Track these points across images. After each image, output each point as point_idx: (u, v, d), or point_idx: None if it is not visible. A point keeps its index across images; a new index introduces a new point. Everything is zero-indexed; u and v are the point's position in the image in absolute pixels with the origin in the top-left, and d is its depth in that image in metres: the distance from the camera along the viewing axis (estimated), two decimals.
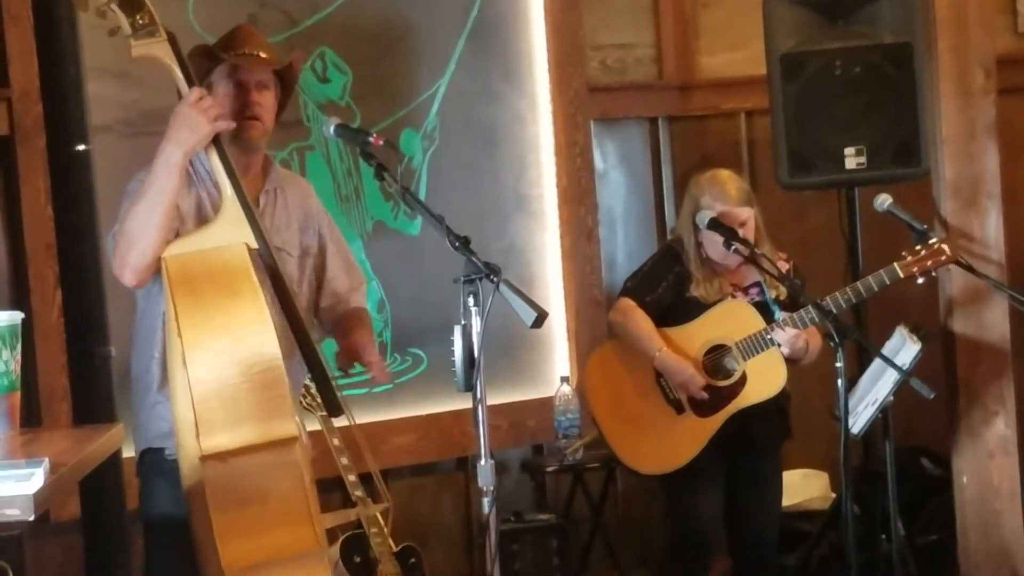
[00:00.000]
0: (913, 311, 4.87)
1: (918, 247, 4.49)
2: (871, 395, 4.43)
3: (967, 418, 4.89)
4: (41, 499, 2.48)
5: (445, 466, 5.31)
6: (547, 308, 3.30)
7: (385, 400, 5.10)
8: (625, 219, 5.73)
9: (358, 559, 4.51)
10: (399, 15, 5.20)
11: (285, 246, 3.57)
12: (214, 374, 3.16)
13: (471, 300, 3.21)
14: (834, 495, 5.28)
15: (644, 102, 5.74)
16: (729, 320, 4.54)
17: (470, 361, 3.21)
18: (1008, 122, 5.15)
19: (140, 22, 3.30)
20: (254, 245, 3.32)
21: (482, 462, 3.25)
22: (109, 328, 4.17)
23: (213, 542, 3.12)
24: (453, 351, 3.22)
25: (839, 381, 3.98)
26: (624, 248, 5.70)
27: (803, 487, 5.39)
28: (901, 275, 4.47)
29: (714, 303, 4.57)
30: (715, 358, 4.54)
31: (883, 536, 4.73)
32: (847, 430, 4.09)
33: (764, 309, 4.56)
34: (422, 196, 5.14)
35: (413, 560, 4.61)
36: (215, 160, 3.35)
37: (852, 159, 4.83)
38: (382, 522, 4.52)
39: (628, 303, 4.60)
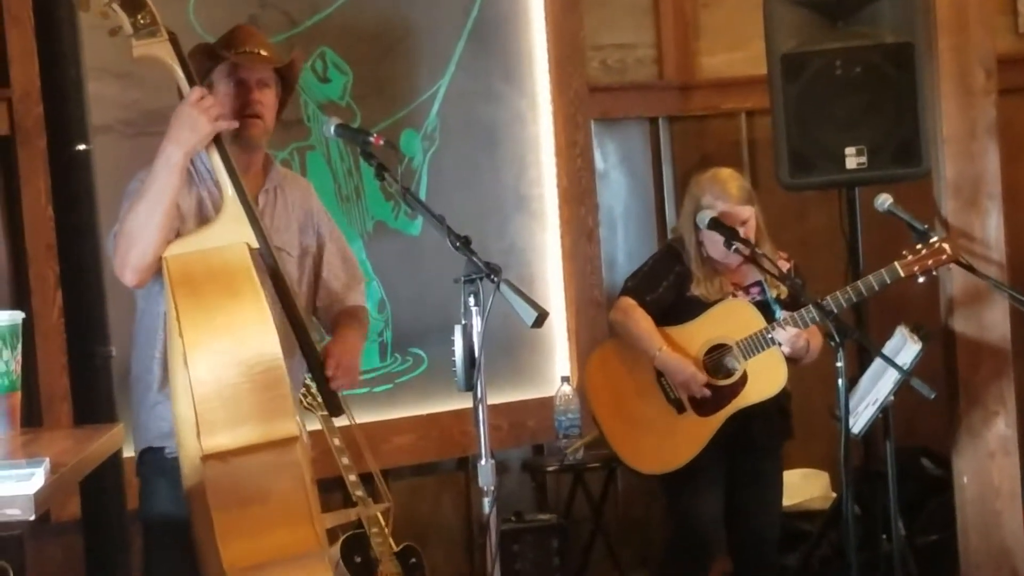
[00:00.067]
0: (914, 311, 4.87)
1: (919, 246, 4.49)
2: (872, 395, 4.43)
3: (967, 418, 4.89)
4: (42, 499, 2.48)
5: (446, 466, 5.31)
6: (547, 308, 3.30)
7: (386, 400, 5.10)
8: (625, 219, 5.74)
9: (359, 559, 4.52)
10: (399, 15, 5.20)
11: (285, 246, 3.56)
12: (215, 374, 3.16)
13: (472, 300, 3.21)
14: (834, 495, 5.28)
15: (644, 102, 5.75)
16: (730, 319, 4.54)
17: (471, 361, 3.21)
18: (1009, 122, 5.15)
19: (141, 22, 3.30)
20: (255, 245, 3.32)
21: (483, 462, 3.24)
22: (110, 328, 4.18)
23: (214, 542, 3.12)
24: (454, 351, 3.22)
25: (840, 381, 3.98)
26: (624, 248, 5.70)
27: (803, 487, 5.39)
28: (902, 274, 4.47)
29: (715, 302, 4.57)
30: (716, 357, 4.54)
31: (884, 536, 4.72)
32: (847, 430, 4.09)
33: (765, 308, 4.56)
34: (422, 196, 5.14)
35: (414, 560, 4.62)
36: (216, 159, 3.35)
37: (853, 159, 4.82)
38: (383, 522, 4.53)
39: (628, 302, 4.59)
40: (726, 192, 4.53)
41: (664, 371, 4.56)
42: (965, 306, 4.85)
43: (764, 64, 4.90)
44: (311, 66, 4.98)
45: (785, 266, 4.60)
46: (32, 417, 4.22)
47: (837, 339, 3.98)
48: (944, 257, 4.49)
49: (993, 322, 4.85)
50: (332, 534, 4.43)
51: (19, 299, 4.42)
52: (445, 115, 5.29)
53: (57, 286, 4.37)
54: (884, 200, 4.70)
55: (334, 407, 3.54)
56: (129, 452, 3.59)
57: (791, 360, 4.50)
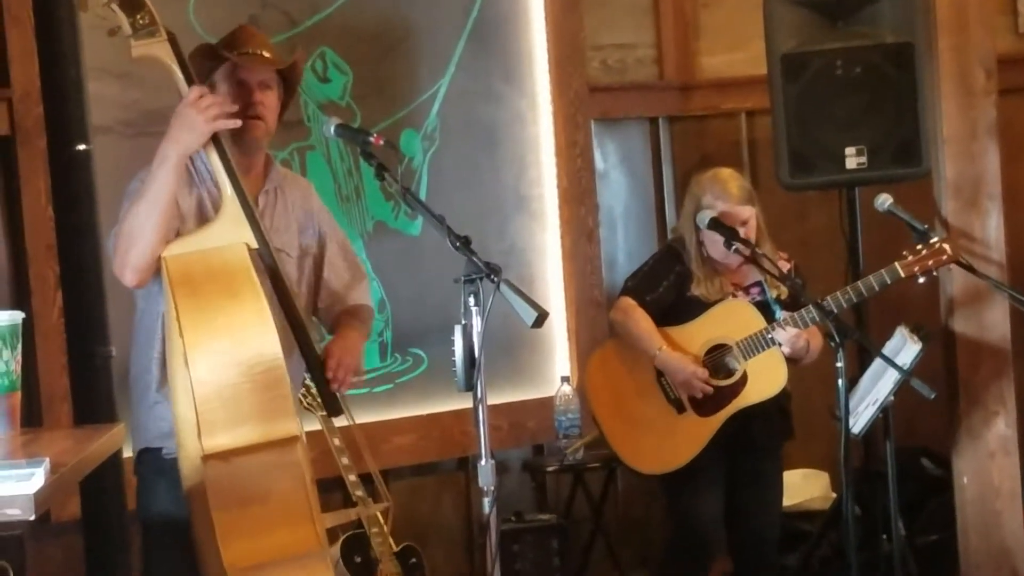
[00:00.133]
0: (914, 311, 4.87)
1: (919, 246, 4.49)
2: (872, 395, 4.43)
3: (967, 418, 4.89)
4: (42, 499, 2.48)
5: (446, 466, 5.31)
6: (547, 308, 3.30)
7: (386, 400, 5.10)
8: (625, 219, 5.74)
9: (359, 559, 4.52)
10: (399, 15, 5.20)
11: (284, 247, 3.56)
12: (216, 374, 3.16)
13: (472, 300, 3.21)
14: (834, 495, 5.28)
15: (645, 102, 5.75)
16: (730, 319, 4.54)
17: (471, 361, 3.21)
18: (1009, 122, 5.15)
19: (140, 22, 3.30)
20: (254, 245, 3.32)
21: (483, 462, 3.25)
22: (110, 328, 4.17)
23: (214, 542, 3.12)
24: (454, 351, 3.22)
25: (840, 381, 3.98)
26: (624, 248, 5.70)
27: (803, 487, 5.39)
28: (902, 274, 4.46)
29: (715, 302, 4.56)
30: (716, 357, 4.54)
31: (884, 536, 4.72)
32: (848, 430, 4.09)
33: (765, 309, 4.56)
34: (422, 196, 5.14)
35: (414, 560, 4.62)
36: (215, 159, 3.35)
37: (853, 159, 4.82)
38: (382, 522, 4.53)
39: (629, 302, 4.59)
40: (726, 192, 4.53)
41: (664, 371, 4.56)
42: (965, 306, 4.85)
43: (764, 64, 4.90)
44: (311, 66, 4.98)
45: (785, 266, 4.60)
46: (32, 417, 4.22)
47: (837, 339, 3.98)
48: (944, 258, 4.49)
49: (993, 322, 4.85)
50: (332, 534, 4.43)
51: (19, 299, 4.42)
52: (445, 115, 5.29)
53: (57, 286, 4.37)
54: (884, 200, 4.70)
55: (333, 407, 3.54)
56: (129, 452, 3.59)
57: (791, 360, 4.50)
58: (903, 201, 4.72)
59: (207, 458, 3.15)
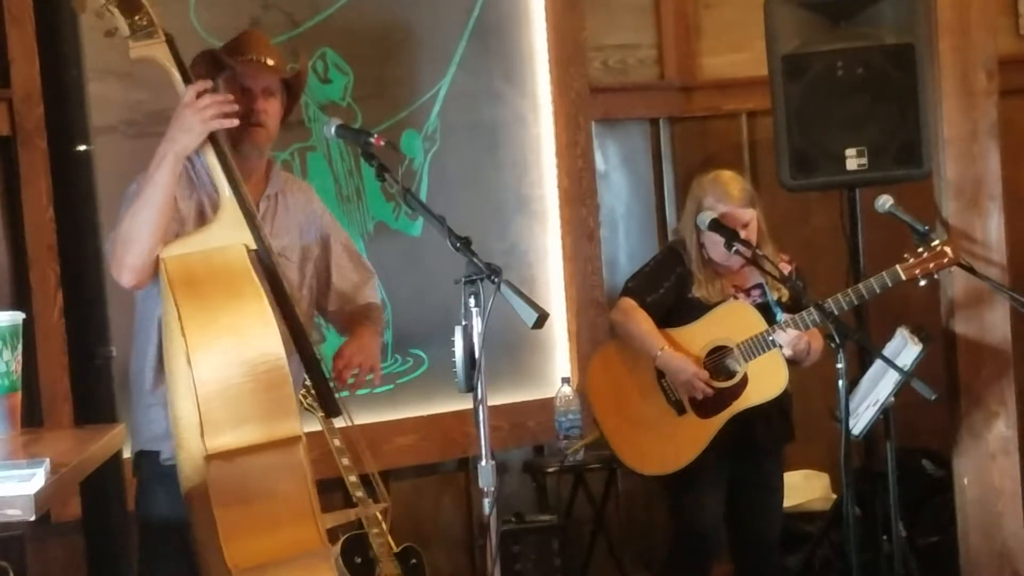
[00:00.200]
0: (914, 312, 4.87)
1: (920, 249, 4.49)
2: (872, 396, 4.43)
3: (968, 419, 4.89)
4: (42, 499, 2.48)
5: (446, 467, 5.31)
6: (548, 309, 3.30)
7: (386, 401, 5.10)
8: (626, 220, 5.73)
9: (359, 559, 4.52)
10: (400, 16, 5.20)
11: (285, 251, 3.56)
12: (219, 374, 3.16)
13: (472, 301, 3.21)
14: (835, 496, 5.27)
15: (646, 103, 5.74)
16: (731, 321, 4.54)
17: (471, 362, 3.21)
18: (1010, 123, 5.15)
19: (139, 23, 3.30)
20: (253, 246, 3.32)
21: (483, 463, 3.25)
22: (110, 329, 4.18)
23: (217, 543, 3.12)
24: (454, 352, 3.22)
25: (840, 382, 3.98)
26: (625, 249, 5.70)
27: (804, 488, 5.39)
28: (903, 277, 4.47)
29: (716, 304, 4.57)
30: (717, 359, 4.54)
31: (884, 537, 4.72)
32: (848, 431, 4.09)
33: (766, 311, 4.56)
34: (423, 197, 5.14)
35: (414, 561, 4.62)
36: (212, 159, 3.34)
37: (854, 160, 4.82)
38: (381, 521, 4.53)
39: (629, 303, 4.59)
40: (728, 194, 4.53)
41: (665, 372, 4.56)
42: (966, 308, 4.85)
43: (765, 65, 4.90)
44: (312, 66, 4.97)
45: (787, 268, 4.61)
46: (33, 417, 4.22)
47: (838, 340, 3.98)
48: (945, 260, 4.49)
49: (994, 323, 4.85)
50: (332, 534, 4.42)
51: (20, 300, 4.42)
52: (446, 116, 5.29)
53: (58, 287, 4.37)
54: (885, 201, 4.70)
55: (331, 408, 3.54)
56: (129, 453, 3.60)
57: (792, 362, 4.50)
58: (904, 202, 4.72)
59: (210, 458, 3.14)
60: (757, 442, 4.60)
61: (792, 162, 4.86)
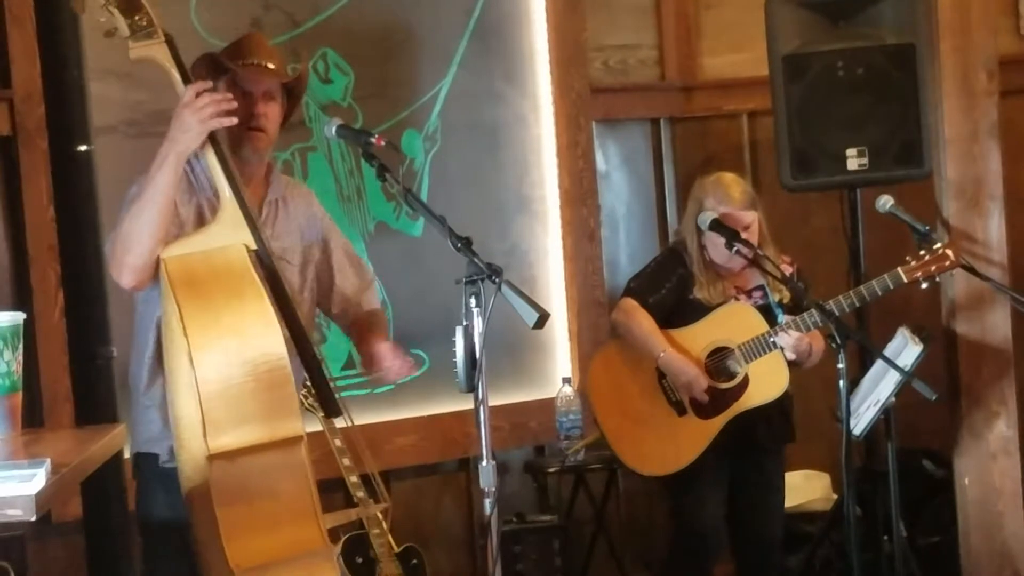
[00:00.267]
0: (915, 312, 4.87)
1: (922, 252, 4.49)
2: (873, 396, 4.43)
3: (969, 419, 4.89)
4: (43, 499, 2.48)
5: (447, 467, 5.31)
6: (549, 309, 3.30)
7: (387, 401, 5.10)
8: (627, 220, 5.74)
9: (360, 559, 4.52)
10: (401, 16, 5.20)
11: (285, 255, 3.56)
12: (222, 374, 3.16)
13: (473, 301, 3.21)
14: (836, 496, 5.27)
15: (646, 103, 5.74)
16: (732, 322, 4.54)
17: (472, 362, 3.20)
18: (1010, 123, 5.15)
19: (138, 23, 3.29)
20: (253, 247, 3.32)
21: (484, 463, 3.24)
22: (111, 329, 4.18)
23: (219, 542, 3.12)
24: (455, 352, 3.21)
25: (841, 382, 3.98)
26: (626, 249, 5.70)
27: (805, 488, 5.39)
28: (904, 280, 4.47)
29: (717, 305, 4.57)
30: (717, 360, 4.54)
31: (885, 537, 4.72)
32: (849, 431, 4.09)
33: (767, 312, 4.56)
34: (424, 197, 5.14)
35: (415, 561, 4.62)
36: (211, 159, 3.33)
37: (854, 160, 4.82)
38: (382, 521, 4.53)
39: (631, 303, 4.60)
40: (729, 196, 4.53)
41: (667, 372, 4.56)
42: (967, 308, 4.85)
43: (766, 65, 4.90)
44: (313, 67, 4.97)
45: (788, 270, 4.60)
46: (34, 418, 4.22)
47: (838, 340, 3.98)
48: (947, 263, 4.49)
49: (995, 324, 4.85)
50: (333, 535, 4.42)
51: (21, 300, 4.42)
52: (447, 116, 5.29)
53: (59, 287, 4.37)
54: (885, 201, 4.70)
55: (331, 409, 3.54)
56: (128, 454, 3.60)
57: (793, 364, 4.50)
58: (905, 202, 4.72)
59: (213, 458, 3.14)
60: (758, 442, 4.60)
61: (793, 162, 4.86)
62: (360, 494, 4.50)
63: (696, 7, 5.77)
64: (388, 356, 3.58)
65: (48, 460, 2.59)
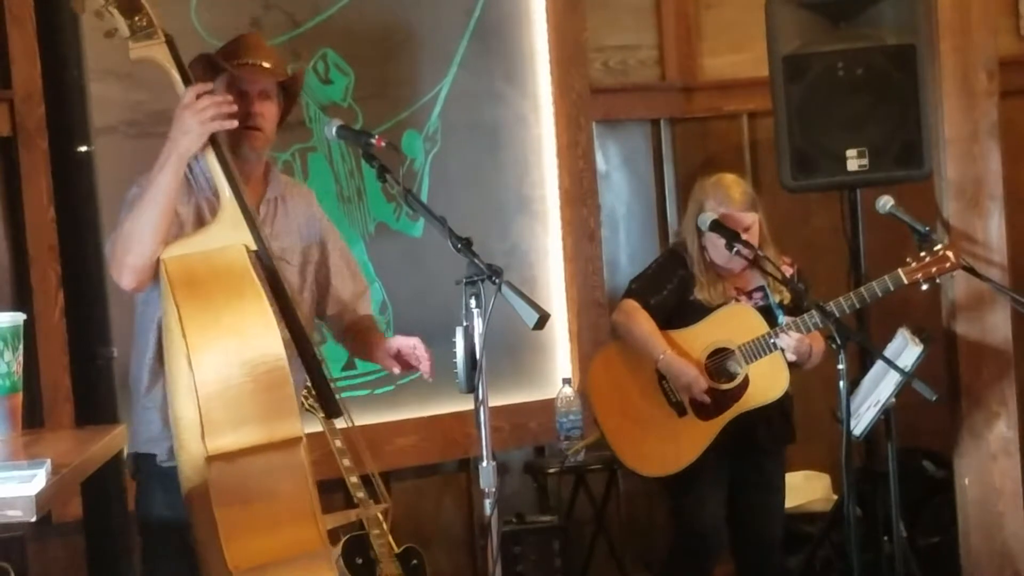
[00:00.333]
0: (915, 313, 4.87)
1: (923, 253, 4.49)
2: (873, 397, 4.43)
3: (969, 420, 4.89)
4: (43, 500, 2.48)
5: (447, 467, 5.31)
6: (549, 309, 3.30)
7: (387, 402, 5.10)
8: (627, 221, 5.73)
9: (360, 560, 4.52)
10: (401, 16, 5.20)
11: (285, 254, 3.55)
12: (220, 374, 3.16)
13: (473, 302, 3.21)
14: (836, 497, 5.27)
15: (647, 104, 5.74)
16: (732, 323, 4.54)
17: (472, 362, 3.21)
18: (1011, 124, 5.15)
19: (138, 24, 3.29)
20: (253, 247, 3.31)
21: (484, 463, 3.25)
22: (111, 329, 4.18)
23: (218, 543, 3.11)
24: (455, 352, 3.22)
25: (841, 383, 3.98)
26: (626, 250, 5.69)
27: (805, 489, 5.39)
28: (905, 281, 4.47)
29: (718, 306, 4.57)
30: (718, 361, 4.54)
31: (885, 538, 4.72)
32: (849, 432, 4.09)
33: (768, 313, 4.56)
34: (424, 198, 5.14)
35: (415, 562, 4.62)
36: (212, 160, 3.33)
37: (854, 161, 4.83)
38: (382, 522, 4.52)
39: (632, 304, 4.60)
40: (729, 198, 4.53)
41: (667, 374, 4.56)
42: (967, 308, 4.85)
43: (766, 66, 4.90)
44: (313, 67, 4.98)
45: (788, 271, 4.60)
46: (34, 418, 4.22)
47: (839, 341, 3.98)
48: (948, 264, 4.49)
49: (995, 324, 4.85)
50: (334, 535, 4.42)
51: (21, 300, 4.42)
52: (447, 116, 5.29)
53: (59, 287, 4.37)
54: (886, 202, 4.70)
55: (332, 409, 3.53)
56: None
57: (794, 365, 4.49)
58: (905, 203, 4.72)
59: (211, 459, 3.14)
60: (758, 443, 4.60)
61: (793, 163, 4.86)
62: (360, 495, 4.49)
63: (696, 7, 5.77)
64: (420, 348, 3.55)
65: (48, 461, 2.59)
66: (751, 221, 4.54)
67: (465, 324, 3.21)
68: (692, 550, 4.66)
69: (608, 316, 5.01)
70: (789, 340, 4.42)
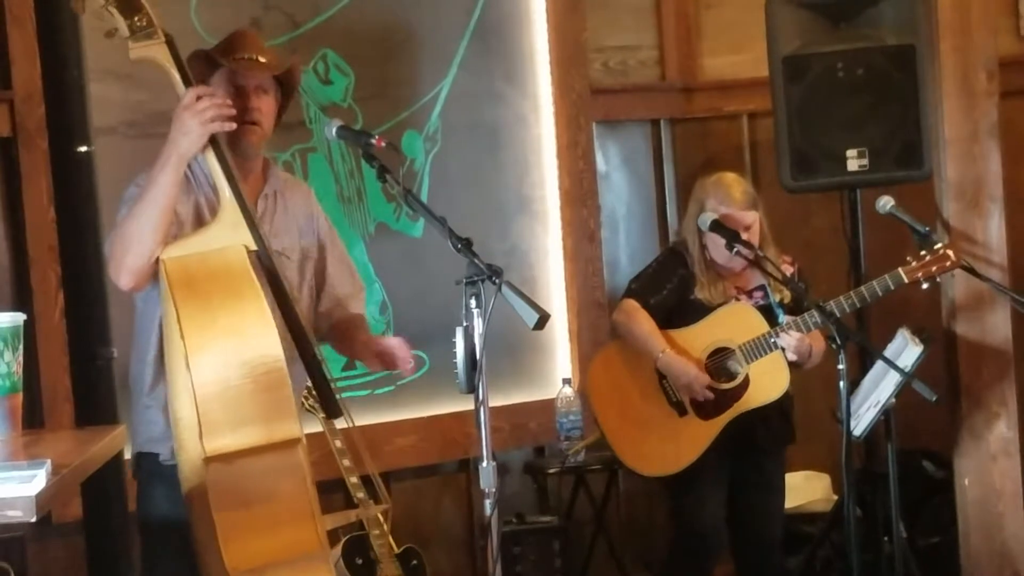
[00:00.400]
0: (915, 313, 4.87)
1: (923, 252, 4.49)
2: (873, 397, 4.43)
3: (969, 420, 4.89)
4: (43, 500, 2.48)
5: (447, 468, 5.30)
6: (549, 310, 3.30)
7: (387, 402, 5.10)
8: (627, 221, 5.73)
9: (360, 560, 4.52)
10: (401, 17, 5.20)
11: (284, 250, 3.55)
12: (218, 375, 3.15)
13: (473, 302, 3.21)
14: (836, 497, 5.27)
15: (646, 104, 5.74)
16: (733, 323, 4.54)
17: (472, 363, 3.20)
18: (1011, 124, 5.15)
19: (138, 24, 3.29)
20: (253, 247, 3.31)
21: (484, 464, 3.24)
22: (111, 329, 4.18)
23: (216, 544, 3.11)
24: (455, 353, 3.21)
25: (841, 383, 3.98)
26: (626, 250, 5.69)
27: (805, 489, 5.39)
28: (905, 280, 4.47)
29: (718, 306, 4.57)
30: (718, 361, 4.54)
31: (885, 538, 4.72)
32: (849, 432, 4.09)
33: (768, 312, 4.56)
34: (424, 198, 5.14)
35: (415, 562, 4.61)
36: (212, 161, 3.33)
37: (854, 161, 4.83)
38: (382, 522, 4.52)
39: (632, 304, 4.60)
40: (730, 197, 4.53)
41: (667, 373, 4.56)
42: (967, 309, 4.85)
43: (766, 66, 4.90)
44: (313, 67, 4.98)
45: (789, 270, 4.60)
46: (34, 418, 4.22)
47: (839, 341, 3.98)
48: (948, 263, 4.49)
49: (995, 325, 4.85)
50: (333, 536, 4.42)
51: (21, 300, 4.42)
52: (447, 116, 5.29)
53: (59, 287, 4.37)
54: (886, 202, 4.71)
55: (332, 409, 3.53)
56: (129, 454, 3.59)
57: (794, 364, 4.49)
58: (905, 203, 4.72)
59: (209, 460, 3.14)
60: (758, 443, 4.60)
61: (793, 163, 4.86)
62: (360, 495, 4.49)
63: (696, 7, 5.77)
64: (403, 348, 3.56)
65: (48, 461, 2.59)
66: (752, 220, 4.54)
67: (465, 324, 3.21)
68: (692, 550, 4.66)
69: (608, 316, 5.01)
70: (790, 339, 4.42)
